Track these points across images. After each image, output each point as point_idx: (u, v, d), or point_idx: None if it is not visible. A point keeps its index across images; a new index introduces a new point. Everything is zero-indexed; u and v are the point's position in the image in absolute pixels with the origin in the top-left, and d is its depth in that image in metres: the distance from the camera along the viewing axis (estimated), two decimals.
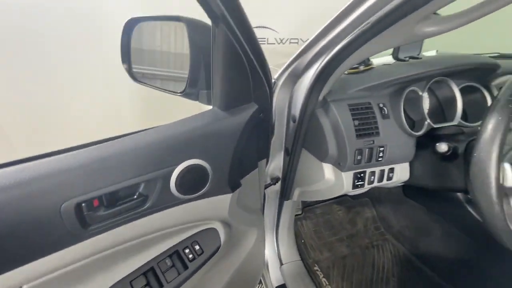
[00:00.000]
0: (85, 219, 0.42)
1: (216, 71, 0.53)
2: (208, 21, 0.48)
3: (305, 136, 0.77)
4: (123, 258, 0.52)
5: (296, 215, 1.34)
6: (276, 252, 1.08)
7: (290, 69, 0.74)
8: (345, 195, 1.24)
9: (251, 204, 0.75)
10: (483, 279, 0.98)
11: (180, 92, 0.64)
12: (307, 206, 1.37)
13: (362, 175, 0.75)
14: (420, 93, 0.76)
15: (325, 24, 0.59)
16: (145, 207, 0.47)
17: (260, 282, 1.09)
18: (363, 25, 0.52)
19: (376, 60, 0.79)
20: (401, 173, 0.79)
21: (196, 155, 0.51)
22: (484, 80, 0.84)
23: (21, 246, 0.38)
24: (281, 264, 1.09)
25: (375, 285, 1.11)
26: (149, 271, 0.55)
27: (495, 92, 0.84)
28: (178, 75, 0.71)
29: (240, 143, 0.56)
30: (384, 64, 0.78)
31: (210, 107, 0.60)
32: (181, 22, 0.58)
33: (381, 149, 0.72)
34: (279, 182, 0.95)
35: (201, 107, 0.61)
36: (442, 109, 0.82)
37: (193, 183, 0.52)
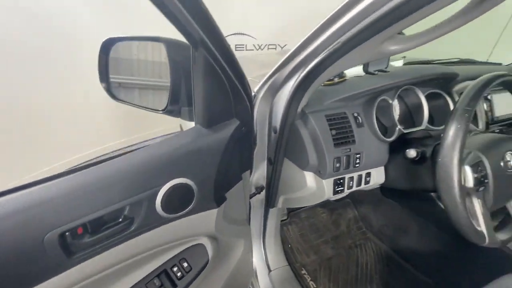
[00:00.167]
0: (70, 248, 0.41)
1: (197, 91, 0.54)
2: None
3: (287, 146, 0.80)
4: (110, 282, 0.51)
5: (282, 220, 1.37)
6: (264, 259, 1.10)
7: (269, 83, 0.77)
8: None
9: (237, 216, 0.76)
10: (458, 270, 1.05)
11: (161, 110, 0.65)
12: (292, 211, 1.40)
13: (341, 181, 0.79)
14: (390, 102, 0.81)
15: (300, 43, 0.63)
16: (131, 229, 0.48)
17: None
18: (334, 44, 0.55)
19: (349, 72, 0.84)
20: (377, 176, 0.84)
21: (181, 173, 0.52)
22: (446, 87, 0.92)
23: (4, 280, 0.37)
24: (270, 271, 1.10)
25: (359, 283, 1.16)
26: None
27: (456, 98, 0.92)
28: (158, 83, 0.72)
29: (224, 158, 0.58)
30: (356, 76, 0.83)
31: (193, 123, 0.61)
32: (160, 42, 0.59)
33: (358, 155, 0.76)
34: (264, 191, 0.97)
35: None
36: (411, 115, 0.89)
37: (178, 202, 0.53)
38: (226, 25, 2.86)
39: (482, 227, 0.61)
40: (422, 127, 0.84)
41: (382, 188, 1.12)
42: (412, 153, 0.74)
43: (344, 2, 0.49)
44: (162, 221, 0.52)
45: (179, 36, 0.47)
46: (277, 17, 2.92)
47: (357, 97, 0.78)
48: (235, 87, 0.58)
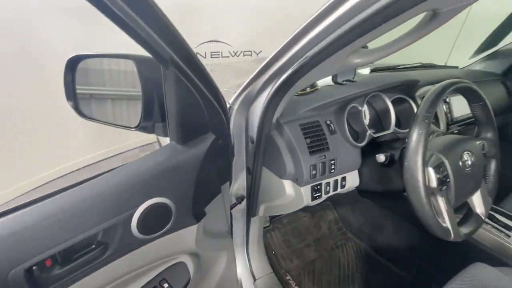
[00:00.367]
0: (38, 283, 0.39)
1: (170, 108, 0.54)
2: None
3: (264, 156, 0.81)
4: None
5: (265, 227, 1.37)
6: (248, 269, 1.09)
7: (243, 95, 0.78)
8: None
9: (218, 229, 0.76)
10: (432, 262, 1.11)
11: (134, 127, 0.63)
12: (274, 217, 1.42)
13: (318, 187, 0.81)
14: (360, 108, 0.85)
15: (270, 56, 0.64)
16: (106, 255, 0.46)
17: None
18: (303, 57, 0.58)
19: (321, 81, 0.88)
20: (352, 180, 0.88)
21: (157, 193, 0.51)
22: (410, 92, 0.98)
23: None
24: (254, 280, 1.10)
25: (342, 283, 1.19)
26: None
27: (419, 102, 0.98)
28: (132, 93, 0.70)
29: (201, 174, 0.58)
30: (327, 85, 0.87)
31: (168, 138, 0.60)
32: (129, 59, 0.58)
33: (332, 162, 0.79)
34: (245, 200, 0.97)
35: None
36: (380, 120, 0.94)
37: (156, 222, 0.52)
38: (201, 32, 2.86)
39: (447, 224, 0.65)
40: (390, 130, 0.89)
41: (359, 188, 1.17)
42: (381, 157, 0.79)
43: (310, 19, 0.51)
44: (139, 243, 0.50)
45: None
46: (252, 25, 2.97)
47: (329, 106, 0.81)
48: (209, 102, 0.59)
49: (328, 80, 0.87)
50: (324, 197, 0.85)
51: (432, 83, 1.06)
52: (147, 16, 0.37)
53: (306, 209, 1.52)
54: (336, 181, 0.84)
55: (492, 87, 1.41)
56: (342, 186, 0.86)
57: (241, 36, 3.02)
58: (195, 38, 2.74)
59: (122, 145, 2.85)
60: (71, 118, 0.69)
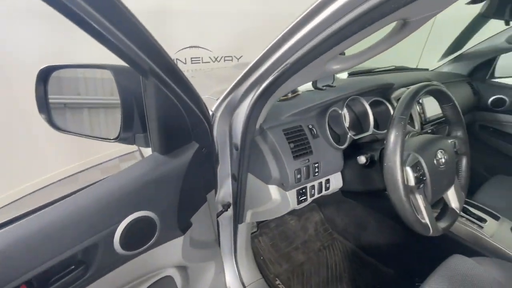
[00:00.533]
0: None
1: (151, 118, 0.53)
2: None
3: (249, 162, 0.81)
4: None
5: (252, 233, 1.37)
6: (237, 276, 1.08)
7: (226, 102, 0.78)
8: None
9: (205, 238, 0.74)
10: (414, 257, 1.16)
11: (114, 138, 0.61)
12: (261, 222, 1.41)
13: (304, 190, 0.82)
14: (340, 112, 0.88)
15: (252, 64, 0.65)
16: (87, 276, 0.44)
17: None
18: (283, 65, 0.59)
19: (302, 86, 0.90)
20: (336, 182, 0.90)
21: (140, 206, 0.49)
22: (385, 94, 1.03)
23: None
24: (244, 287, 1.09)
25: (330, 284, 1.21)
26: None
27: (394, 103, 1.03)
28: (111, 101, 0.67)
29: (185, 184, 0.57)
30: (308, 90, 0.89)
31: (149, 149, 0.59)
32: (106, 69, 0.56)
33: (316, 165, 0.80)
34: (231, 208, 0.96)
35: None
36: (359, 122, 0.97)
37: (140, 237, 0.50)
38: (180, 38, 2.83)
39: (426, 220, 0.69)
40: (370, 132, 0.93)
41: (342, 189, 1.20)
42: (362, 159, 0.81)
43: (290, 27, 0.53)
44: (123, 260, 0.48)
45: None
46: (232, 30, 2.98)
47: (310, 110, 0.83)
48: (191, 110, 0.58)
49: (308, 85, 0.89)
50: (309, 200, 0.86)
51: (406, 85, 1.11)
52: (124, 26, 0.36)
53: (292, 212, 1.53)
54: (320, 184, 0.86)
55: (459, 88, 1.51)
56: (327, 188, 0.88)
57: (222, 41, 3.02)
58: (174, 44, 2.71)
59: (100, 155, 2.74)
60: (44, 128, 0.65)
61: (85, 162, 2.62)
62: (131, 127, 0.60)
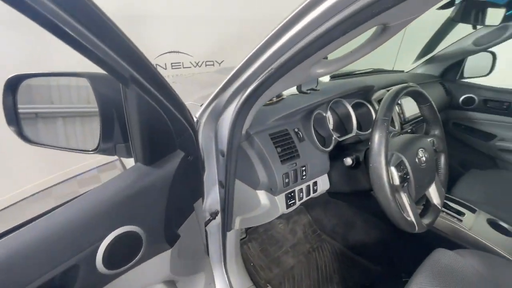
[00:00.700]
0: None
1: (133, 127, 0.50)
2: None
3: (236, 168, 0.80)
4: None
5: (241, 239, 1.35)
6: (228, 285, 1.06)
7: (210, 108, 0.76)
8: None
9: (194, 249, 0.72)
10: (400, 253, 1.19)
11: (92, 150, 0.58)
12: (250, 227, 1.40)
13: (292, 194, 0.82)
14: (324, 114, 0.89)
15: (236, 69, 0.64)
16: None
17: None
18: (268, 70, 0.59)
19: (286, 90, 0.90)
20: (323, 184, 0.91)
21: (124, 221, 0.46)
22: (366, 96, 1.06)
23: None
24: None
25: (322, 286, 1.21)
26: None
27: (375, 105, 1.06)
28: (87, 110, 0.64)
29: (172, 194, 0.54)
30: (293, 94, 0.90)
31: (132, 159, 0.56)
32: (82, 77, 0.53)
33: (303, 168, 0.81)
34: (219, 215, 0.94)
35: None
36: (343, 124, 0.99)
37: (124, 254, 0.47)
38: (160, 43, 2.77)
39: (411, 217, 0.70)
40: (353, 133, 0.95)
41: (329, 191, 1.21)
42: (348, 161, 0.83)
43: (273, 31, 0.53)
44: (107, 280, 0.45)
45: None
46: (212, 35, 2.97)
47: (296, 114, 0.83)
48: (175, 118, 0.56)
49: (293, 89, 0.90)
50: (298, 203, 0.86)
51: (385, 87, 1.16)
52: (101, 32, 0.34)
53: (280, 215, 1.53)
54: (308, 187, 0.86)
55: (433, 88, 1.59)
56: (314, 191, 0.88)
57: (202, 46, 3.00)
58: (154, 49, 2.66)
59: (77, 166, 2.61)
60: (12, 139, 0.60)
61: (60, 175, 2.48)
62: (111, 137, 0.57)
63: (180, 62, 2.96)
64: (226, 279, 1.07)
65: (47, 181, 2.39)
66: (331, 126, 0.93)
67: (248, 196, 0.85)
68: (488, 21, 1.14)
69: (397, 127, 1.10)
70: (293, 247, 1.38)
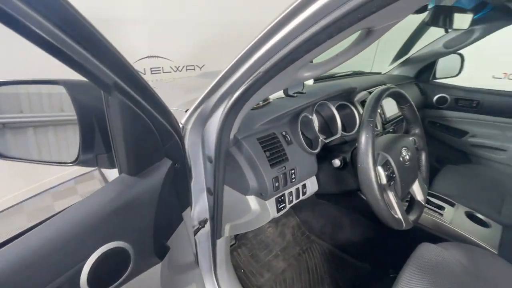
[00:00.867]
0: None
1: (117, 136, 0.47)
2: None
3: (225, 174, 0.79)
4: None
5: (231, 245, 1.33)
6: None
7: (196, 113, 0.74)
8: None
9: (185, 260, 0.69)
10: (386, 249, 1.22)
11: (71, 162, 0.54)
12: (239, 233, 1.38)
13: (282, 198, 0.82)
14: (310, 117, 0.90)
15: (222, 73, 0.63)
16: None
17: None
18: (255, 74, 0.58)
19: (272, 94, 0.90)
20: (312, 186, 0.91)
21: (110, 237, 0.43)
22: (349, 98, 1.09)
23: None
24: None
25: (313, 287, 1.21)
26: None
27: (358, 106, 1.09)
28: (60, 118, 0.60)
29: (160, 206, 0.52)
30: (279, 98, 0.90)
31: (115, 170, 0.53)
32: (58, 85, 0.50)
33: (292, 171, 0.81)
34: (208, 223, 0.92)
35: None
36: (328, 126, 1.01)
37: (111, 272, 0.44)
38: (138, 48, 2.69)
39: (399, 215, 0.72)
40: (338, 135, 0.96)
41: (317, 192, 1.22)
42: (337, 162, 0.84)
43: (260, 35, 0.52)
44: None
45: None
46: (193, 39, 2.93)
47: (283, 117, 0.83)
48: (161, 125, 0.54)
49: (279, 92, 0.90)
50: (288, 207, 0.86)
51: (366, 88, 1.19)
52: (83, 38, 0.32)
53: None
54: (297, 190, 0.86)
55: (409, 89, 1.67)
56: (304, 193, 0.89)
57: (182, 50, 2.95)
58: (132, 54, 2.58)
59: (52, 178, 2.45)
60: None
61: (32, 188, 2.32)
62: (92, 148, 0.54)
63: (159, 67, 2.90)
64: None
65: (17, 195, 2.23)
66: (316, 129, 0.94)
67: (237, 202, 0.84)
68: (456, 25, 1.22)
69: (379, 127, 1.13)
70: (283, 251, 1.38)
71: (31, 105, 0.66)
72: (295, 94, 0.86)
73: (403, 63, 1.79)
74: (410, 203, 0.87)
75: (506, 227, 1.02)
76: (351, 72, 1.55)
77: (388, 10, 0.41)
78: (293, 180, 0.81)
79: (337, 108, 0.99)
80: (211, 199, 0.86)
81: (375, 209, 0.69)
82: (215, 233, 0.92)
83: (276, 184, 0.77)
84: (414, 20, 1.48)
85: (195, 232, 0.88)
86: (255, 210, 0.81)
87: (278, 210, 0.81)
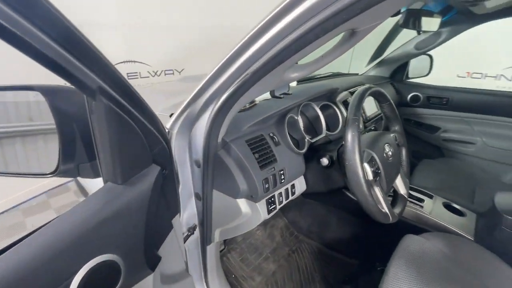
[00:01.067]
0: None
1: (102, 143, 0.45)
2: None
3: (213, 178, 0.77)
4: None
5: (220, 251, 1.30)
6: None
7: (182, 117, 0.73)
8: None
9: (176, 269, 0.67)
10: (373, 244, 1.26)
11: (51, 173, 0.51)
12: (228, 238, 1.36)
13: (272, 199, 0.82)
14: (296, 118, 0.91)
15: (209, 76, 0.62)
16: None
17: None
18: (243, 75, 0.58)
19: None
20: (300, 186, 0.92)
21: (98, 250, 0.41)
22: (331, 98, 1.11)
23: None
24: None
25: (305, 286, 1.22)
26: None
27: (340, 105, 1.12)
28: (34, 128, 0.57)
29: (150, 214, 0.50)
30: (265, 99, 0.90)
31: (99, 180, 0.50)
32: (34, 91, 0.47)
33: (281, 172, 0.81)
34: (197, 229, 0.90)
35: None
36: (312, 126, 1.03)
37: (101, 287, 0.41)
38: (114, 53, 2.60)
39: (386, 209, 0.75)
40: (323, 134, 0.99)
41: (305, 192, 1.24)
42: (325, 161, 0.86)
43: (247, 37, 0.52)
44: None
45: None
46: (170, 43, 2.87)
47: (270, 119, 0.84)
48: (147, 130, 0.52)
49: (265, 94, 0.90)
50: (278, 208, 0.86)
51: (346, 89, 1.23)
52: (64, 39, 0.30)
53: None
54: (287, 190, 0.87)
55: (385, 88, 1.74)
56: (293, 193, 0.89)
57: (160, 55, 2.89)
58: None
59: (20, 193, 2.28)
60: None
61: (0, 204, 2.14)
62: (73, 157, 0.51)
63: (136, 72, 2.82)
64: None
65: None
66: (302, 129, 0.96)
67: (227, 206, 0.83)
68: (426, 27, 1.30)
69: (361, 126, 1.17)
70: (273, 252, 1.38)
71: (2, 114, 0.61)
72: (282, 95, 0.87)
73: (379, 64, 1.87)
74: (394, 197, 0.90)
75: (479, 215, 1.09)
76: (331, 73, 1.59)
77: (371, 11, 0.43)
78: (282, 181, 0.82)
79: (320, 108, 1.01)
80: (199, 205, 0.84)
81: (364, 205, 0.71)
82: (205, 239, 0.90)
83: (266, 186, 0.77)
84: (387, 23, 1.56)
85: (185, 239, 0.85)
86: (246, 213, 0.80)
87: (269, 211, 0.81)
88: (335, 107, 1.09)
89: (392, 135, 0.91)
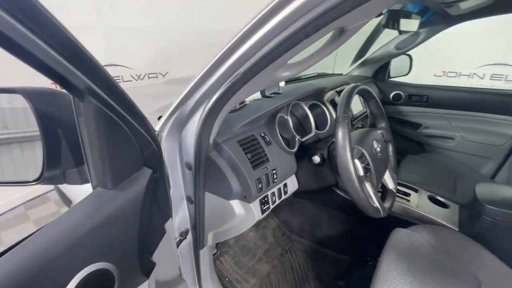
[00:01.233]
0: None
1: (91, 147, 0.43)
2: None
3: (205, 180, 0.76)
4: None
5: (213, 255, 1.28)
6: None
7: (172, 119, 0.71)
8: None
9: (171, 275, 0.65)
10: (364, 239, 1.28)
11: (34, 180, 0.48)
12: (222, 241, 1.34)
13: (266, 199, 0.82)
14: (286, 117, 0.92)
15: (198, 76, 0.61)
16: None
17: None
18: (234, 75, 0.58)
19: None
20: (292, 185, 0.93)
21: (90, 259, 0.39)
22: (319, 97, 1.13)
23: None
24: None
25: (299, 285, 1.23)
26: None
27: (328, 104, 1.14)
28: (13, 135, 0.54)
29: (143, 218, 0.48)
30: (255, 100, 0.90)
31: (87, 185, 0.48)
32: (16, 93, 0.44)
33: (274, 171, 0.81)
34: (190, 234, 0.88)
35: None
36: (302, 125, 1.04)
37: None
38: (96, 57, 2.52)
39: (377, 204, 0.77)
40: (313, 133, 1.00)
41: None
42: (317, 159, 0.87)
43: (237, 37, 0.52)
44: None
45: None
46: (153, 46, 2.82)
47: (260, 118, 0.84)
48: (138, 132, 0.51)
49: (255, 94, 0.90)
50: (271, 207, 0.86)
51: (333, 88, 1.26)
52: (50, 36, 0.29)
53: None
54: (279, 189, 0.87)
55: (369, 87, 1.80)
56: (285, 193, 0.90)
57: (143, 58, 2.83)
58: None
59: None
60: None
61: None
62: (58, 163, 0.49)
63: (119, 76, 2.74)
64: None
65: None
66: (292, 129, 0.96)
67: (221, 208, 0.81)
68: (406, 27, 1.35)
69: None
70: (266, 253, 1.37)
71: None
72: (272, 95, 0.87)
73: (362, 64, 1.93)
74: (383, 192, 0.93)
75: (462, 206, 1.14)
76: (316, 73, 1.62)
77: (360, 10, 0.44)
78: (275, 180, 0.82)
79: (309, 108, 1.03)
80: (191, 208, 0.82)
81: (356, 200, 0.72)
82: (198, 243, 0.89)
83: (260, 186, 0.76)
84: (369, 24, 1.61)
85: (178, 244, 0.83)
86: (240, 214, 0.80)
87: (263, 211, 0.81)
88: (323, 106, 1.10)
89: (379, 131, 0.94)
